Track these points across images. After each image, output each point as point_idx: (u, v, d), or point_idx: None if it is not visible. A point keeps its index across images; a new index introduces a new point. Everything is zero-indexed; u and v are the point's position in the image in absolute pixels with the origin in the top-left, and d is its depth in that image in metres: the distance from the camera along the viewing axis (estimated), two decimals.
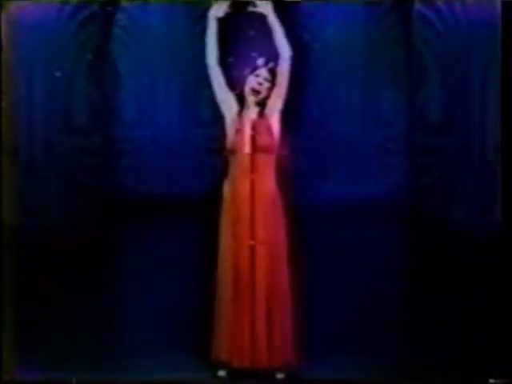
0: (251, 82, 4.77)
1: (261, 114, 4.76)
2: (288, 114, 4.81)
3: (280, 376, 4.78)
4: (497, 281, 6.99)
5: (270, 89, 4.78)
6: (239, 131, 4.71)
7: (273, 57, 4.84)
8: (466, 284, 7.07)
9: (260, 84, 4.75)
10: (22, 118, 9.05)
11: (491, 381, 4.55)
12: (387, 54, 11.06)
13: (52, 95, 9.23)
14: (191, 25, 11.30)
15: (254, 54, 4.90)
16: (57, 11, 9.12)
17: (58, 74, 9.23)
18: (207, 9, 4.79)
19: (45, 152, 9.20)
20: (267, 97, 4.77)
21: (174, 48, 11.36)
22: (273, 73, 4.78)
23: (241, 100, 4.80)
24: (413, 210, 9.66)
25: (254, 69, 4.80)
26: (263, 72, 4.78)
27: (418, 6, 9.48)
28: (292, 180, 4.92)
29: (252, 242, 4.66)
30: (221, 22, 4.95)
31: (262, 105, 4.77)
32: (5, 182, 8.82)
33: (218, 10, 4.83)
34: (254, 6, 4.85)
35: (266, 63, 4.82)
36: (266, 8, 4.82)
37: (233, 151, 4.74)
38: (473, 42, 8.95)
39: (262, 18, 4.85)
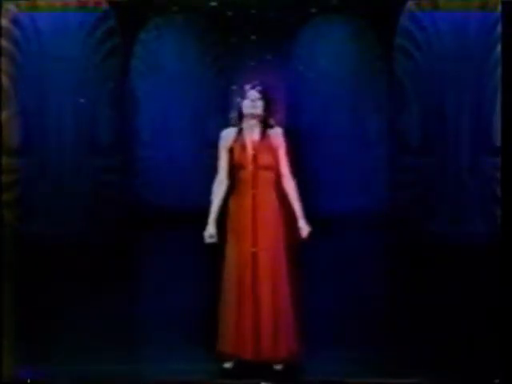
0: (246, 106, 4.72)
1: (261, 134, 4.75)
2: (286, 136, 4.79)
3: (278, 367, 4.78)
4: (468, 282, 7.05)
5: (266, 106, 4.72)
6: (242, 151, 4.71)
7: (260, 82, 4.79)
8: (439, 283, 7.11)
9: (253, 101, 4.69)
10: (52, 141, 9.13)
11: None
12: (372, 83, 11.10)
13: (78, 121, 9.28)
14: (202, 55, 11.37)
15: (246, 85, 4.83)
16: (82, 45, 9.19)
17: (82, 101, 9.29)
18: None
19: (72, 170, 9.24)
20: (265, 116, 4.73)
21: (186, 77, 11.41)
22: (261, 91, 4.71)
23: (240, 120, 4.77)
24: (394, 220, 9.69)
25: (244, 93, 4.73)
26: (253, 93, 4.70)
27: (398, 39, 9.54)
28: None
29: (254, 249, 4.68)
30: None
31: (261, 125, 4.73)
32: (36, 198, 8.91)
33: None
34: None
35: (253, 87, 4.76)
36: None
37: (237, 168, 4.74)
38: (449, 72, 8.99)
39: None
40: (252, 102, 4.68)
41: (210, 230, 4.74)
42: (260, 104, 4.69)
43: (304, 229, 4.73)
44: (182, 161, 11.38)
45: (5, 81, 8.44)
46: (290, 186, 4.77)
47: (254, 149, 4.70)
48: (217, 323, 4.78)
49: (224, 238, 4.77)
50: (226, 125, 4.92)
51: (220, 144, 4.77)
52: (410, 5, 9.16)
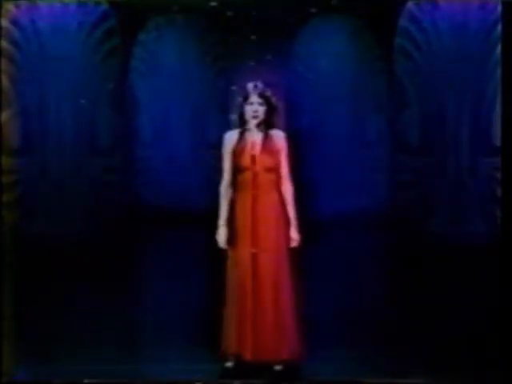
0: (248, 111, 4.70)
1: (262, 136, 4.73)
2: (287, 137, 4.78)
3: (278, 367, 4.76)
4: (468, 282, 7.05)
5: (267, 111, 4.71)
6: (244, 152, 4.70)
7: (260, 83, 4.76)
8: (439, 283, 7.11)
9: (255, 111, 4.69)
10: (52, 141, 9.11)
11: None
12: (372, 83, 11.10)
13: (78, 121, 9.27)
14: (201, 56, 11.36)
15: (247, 85, 4.79)
16: (82, 45, 9.18)
17: (82, 101, 9.28)
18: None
19: (72, 170, 9.23)
20: (267, 119, 4.72)
21: (186, 77, 11.41)
22: (263, 96, 4.70)
23: (242, 123, 4.76)
24: (394, 220, 9.69)
25: (246, 97, 4.71)
26: (255, 98, 4.68)
27: (398, 40, 9.52)
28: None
29: (254, 250, 4.66)
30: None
31: (263, 127, 4.73)
32: (36, 198, 8.90)
33: None
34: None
35: (254, 87, 4.73)
36: None
37: (239, 170, 4.73)
38: (448, 72, 8.97)
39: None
40: (253, 109, 4.66)
41: (224, 234, 4.72)
42: (262, 109, 4.68)
43: (294, 239, 4.73)
44: (182, 161, 11.38)
45: (5, 81, 8.43)
46: (287, 190, 4.77)
47: (255, 150, 4.69)
48: (219, 323, 4.77)
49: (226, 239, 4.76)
50: (226, 125, 4.91)
51: (223, 147, 4.76)
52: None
